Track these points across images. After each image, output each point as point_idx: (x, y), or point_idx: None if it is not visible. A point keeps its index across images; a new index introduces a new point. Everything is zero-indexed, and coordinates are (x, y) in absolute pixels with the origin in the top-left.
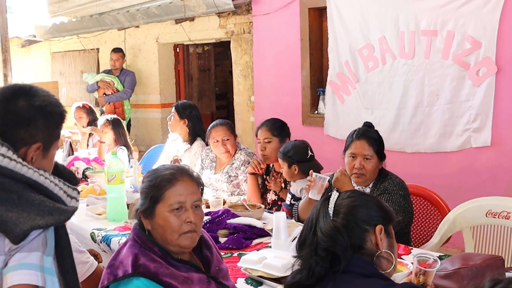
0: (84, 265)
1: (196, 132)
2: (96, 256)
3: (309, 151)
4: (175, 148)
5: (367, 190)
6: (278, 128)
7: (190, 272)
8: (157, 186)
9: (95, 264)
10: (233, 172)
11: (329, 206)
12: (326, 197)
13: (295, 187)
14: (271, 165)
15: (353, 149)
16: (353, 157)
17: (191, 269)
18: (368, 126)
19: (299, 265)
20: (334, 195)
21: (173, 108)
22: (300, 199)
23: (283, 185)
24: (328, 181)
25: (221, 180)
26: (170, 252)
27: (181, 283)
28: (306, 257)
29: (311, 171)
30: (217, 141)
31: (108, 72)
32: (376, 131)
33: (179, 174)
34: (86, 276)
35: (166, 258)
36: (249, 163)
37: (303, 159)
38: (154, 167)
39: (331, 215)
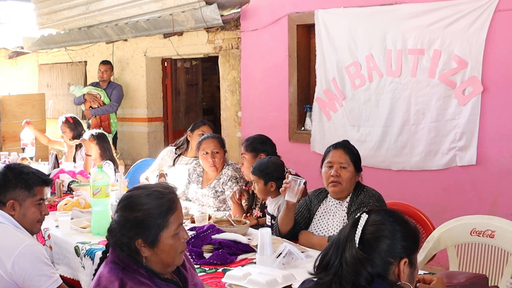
0: (48, 279)
1: None
2: None
3: (285, 168)
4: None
5: (344, 204)
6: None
7: None
8: (162, 213)
9: (60, 281)
10: (220, 187)
11: (356, 233)
12: (354, 221)
13: (272, 206)
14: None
15: (330, 158)
16: (330, 167)
17: None
18: (346, 141)
19: (317, 286)
20: (363, 220)
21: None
22: None
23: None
24: (304, 183)
25: (208, 195)
26: (156, 272)
27: None
28: (328, 283)
29: (287, 173)
30: (207, 153)
31: (95, 84)
32: (354, 146)
33: (175, 197)
34: None
35: (152, 278)
36: (236, 178)
37: (281, 176)
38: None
39: (356, 243)
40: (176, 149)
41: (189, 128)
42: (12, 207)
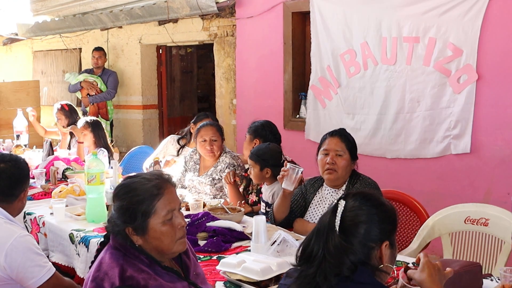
0: (42, 269)
1: None
2: None
3: (283, 156)
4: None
5: (340, 192)
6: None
7: (175, 281)
8: (146, 200)
9: (53, 270)
10: (217, 175)
11: (336, 221)
12: (333, 209)
13: (267, 193)
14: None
15: (326, 146)
16: (326, 154)
17: (174, 277)
18: (343, 129)
19: (302, 280)
20: (341, 207)
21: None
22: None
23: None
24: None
25: (205, 182)
26: (157, 260)
27: None
28: (313, 276)
29: (285, 161)
30: (205, 140)
31: (89, 71)
32: (350, 134)
33: (163, 182)
34: (44, 280)
35: (153, 266)
36: (233, 166)
37: (277, 163)
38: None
39: (337, 230)
40: (179, 139)
41: (192, 120)
42: (23, 197)
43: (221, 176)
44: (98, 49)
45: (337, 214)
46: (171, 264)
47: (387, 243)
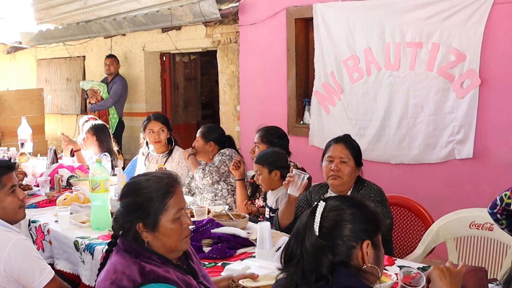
0: (42, 272)
1: (174, 141)
2: None
3: (288, 159)
4: (154, 161)
5: None
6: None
7: (188, 276)
8: (159, 197)
9: (52, 272)
10: (208, 167)
11: (315, 221)
12: (312, 209)
13: (271, 199)
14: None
15: (330, 152)
16: (330, 161)
17: (186, 275)
18: (347, 136)
19: (284, 281)
20: (320, 207)
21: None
22: (277, 210)
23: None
24: (308, 178)
25: (198, 175)
26: (169, 259)
27: (186, 286)
28: (292, 276)
29: (291, 167)
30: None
31: (105, 79)
32: (354, 140)
33: (174, 181)
34: (45, 283)
35: (166, 264)
36: (223, 155)
37: (285, 165)
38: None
39: (316, 231)
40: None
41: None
42: (2, 199)
43: (212, 165)
44: (109, 56)
45: (316, 214)
46: (182, 264)
47: (369, 242)
